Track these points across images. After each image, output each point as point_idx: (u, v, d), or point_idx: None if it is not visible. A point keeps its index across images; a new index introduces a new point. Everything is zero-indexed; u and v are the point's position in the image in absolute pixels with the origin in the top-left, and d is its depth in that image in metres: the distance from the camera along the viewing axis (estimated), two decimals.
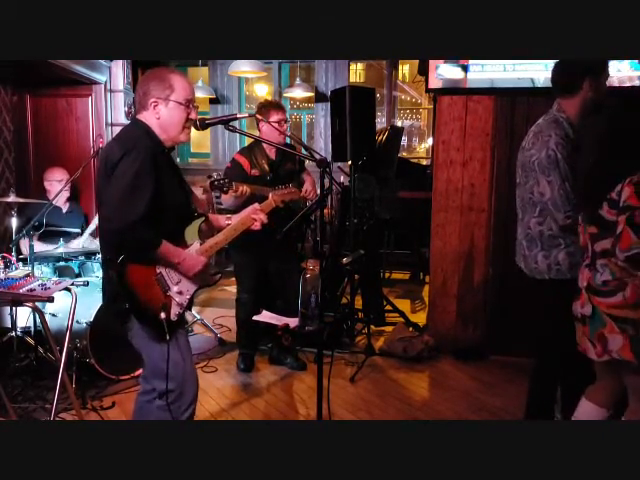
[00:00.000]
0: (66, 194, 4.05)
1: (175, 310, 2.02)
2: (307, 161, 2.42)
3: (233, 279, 3.84)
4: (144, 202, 1.86)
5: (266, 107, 3.38)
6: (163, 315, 1.95)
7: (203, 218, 2.17)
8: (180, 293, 2.03)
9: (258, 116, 3.27)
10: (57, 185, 4.02)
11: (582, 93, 2.25)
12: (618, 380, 2.06)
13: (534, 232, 2.34)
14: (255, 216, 2.23)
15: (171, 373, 1.99)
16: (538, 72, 3.51)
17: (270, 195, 2.61)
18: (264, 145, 3.44)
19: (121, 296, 1.98)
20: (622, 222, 1.80)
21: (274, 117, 3.33)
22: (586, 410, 2.16)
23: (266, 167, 3.41)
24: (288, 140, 3.84)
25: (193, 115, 2.03)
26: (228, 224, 2.23)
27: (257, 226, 2.24)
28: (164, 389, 2.00)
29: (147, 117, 2.00)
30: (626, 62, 3.37)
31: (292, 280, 3.64)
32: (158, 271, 2.00)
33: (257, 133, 3.47)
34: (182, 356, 2.04)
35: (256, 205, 2.29)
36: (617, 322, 1.87)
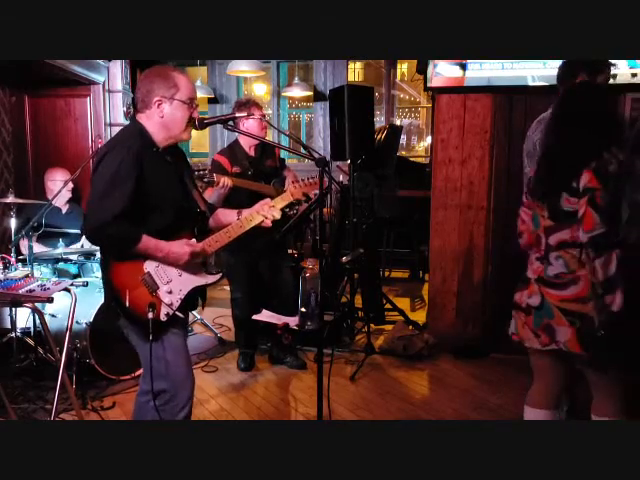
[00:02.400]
0: (67, 195, 4.04)
1: (164, 310, 1.98)
2: (306, 160, 2.40)
3: None
4: (121, 200, 1.85)
5: (246, 105, 3.41)
6: (150, 315, 1.92)
7: (206, 215, 2.14)
8: (170, 293, 1.99)
9: (256, 114, 3.30)
10: (61, 185, 4.02)
11: None
12: (557, 377, 2.10)
13: None
14: (265, 213, 2.15)
15: (162, 373, 1.98)
16: (536, 70, 3.51)
17: (289, 188, 2.54)
18: (242, 144, 3.51)
19: (108, 295, 1.99)
20: (584, 204, 1.83)
21: (257, 113, 3.38)
22: (529, 416, 2.18)
23: (246, 164, 3.45)
24: (286, 142, 3.85)
25: (195, 114, 2.02)
26: (238, 219, 2.16)
27: (267, 223, 2.16)
28: (156, 389, 1.99)
29: (150, 115, 1.99)
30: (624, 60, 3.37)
31: (284, 277, 3.64)
32: (146, 271, 1.97)
33: None
34: (172, 357, 2.01)
35: (267, 200, 2.21)
36: (566, 315, 1.90)
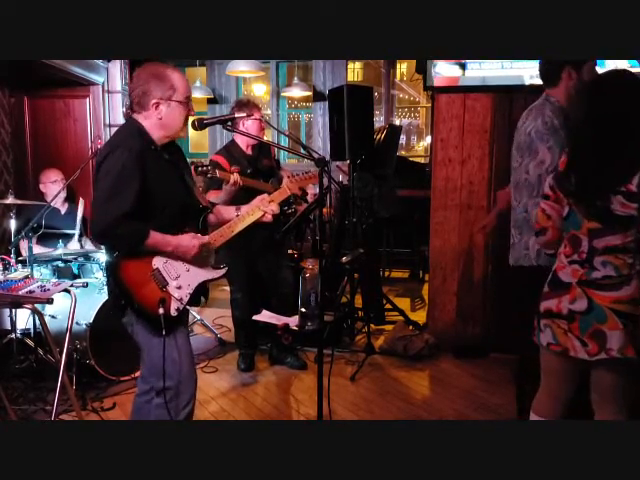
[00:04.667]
0: (63, 194, 4.05)
1: (175, 305, 2.01)
2: (305, 160, 2.40)
3: None
4: (128, 200, 1.86)
5: (247, 105, 3.41)
6: (161, 310, 1.94)
7: (208, 210, 2.16)
8: (179, 288, 2.02)
9: (257, 115, 3.30)
10: (51, 186, 4.04)
11: (564, 83, 2.31)
12: (569, 386, 1.99)
13: (531, 214, 2.27)
14: (265, 208, 2.19)
15: (168, 370, 1.99)
16: (535, 69, 3.49)
17: (285, 182, 2.54)
18: (239, 143, 3.51)
19: (117, 292, 2.00)
20: None
21: (257, 115, 3.39)
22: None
23: (245, 162, 3.45)
24: (285, 142, 3.86)
25: (191, 111, 2.04)
26: (237, 215, 2.21)
27: (268, 218, 2.20)
28: (161, 386, 2.00)
29: (147, 116, 2.00)
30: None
31: (283, 277, 3.64)
32: (155, 267, 1.99)
33: None
34: (179, 354, 2.03)
35: (264, 196, 2.24)
36: (620, 317, 1.75)
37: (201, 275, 2.09)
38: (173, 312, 2.01)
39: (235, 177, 3.05)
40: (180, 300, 2.03)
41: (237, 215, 2.21)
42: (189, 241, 2.02)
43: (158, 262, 2.00)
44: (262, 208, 2.18)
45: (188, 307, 2.12)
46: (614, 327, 1.76)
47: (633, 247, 1.76)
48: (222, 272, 2.16)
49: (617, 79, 1.87)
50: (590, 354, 1.81)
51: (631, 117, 1.77)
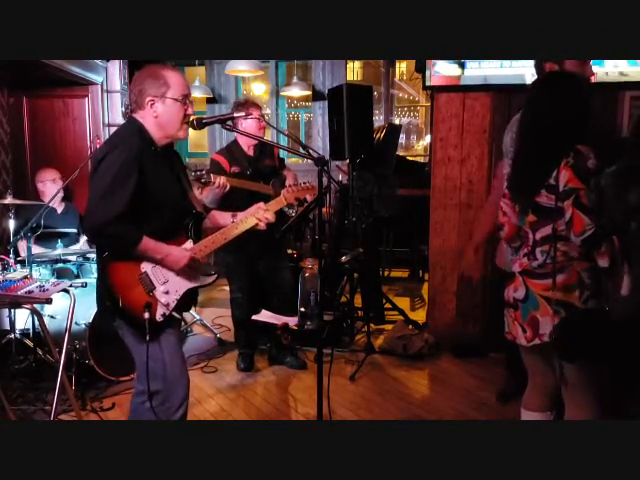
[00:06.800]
0: (60, 194, 4.05)
1: (161, 310, 1.98)
2: (306, 159, 2.40)
3: None
4: (123, 200, 1.85)
5: (244, 105, 3.40)
6: (147, 315, 1.92)
7: (202, 216, 2.15)
8: (166, 293, 1.99)
9: (256, 114, 3.30)
10: (50, 185, 4.03)
11: None
12: (550, 377, 2.03)
13: None
14: (259, 216, 2.17)
15: (158, 374, 1.98)
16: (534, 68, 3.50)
17: (282, 192, 2.56)
18: (240, 143, 3.50)
19: (104, 294, 1.98)
20: (569, 206, 1.77)
21: (255, 113, 3.37)
22: (524, 419, 2.13)
23: (245, 163, 3.44)
24: (285, 141, 3.84)
25: (190, 110, 2.02)
26: (233, 221, 2.19)
27: (262, 226, 2.18)
28: (150, 390, 1.99)
29: (144, 116, 1.99)
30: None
31: (283, 277, 3.63)
32: (143, 270, 1.97)
33: None
34: (168, 357, 2.01)
35: (261, 204, 2.23)
36: (550, 304, 1.84)
37: (190, 281, 2.06)
38: (159, 317, 1.97)
39: (219, 180, 3.03)
40: (167, 305, 1.99)
41: (233, 221, 2.18)
42: (180, 252, 1.99)
43: (147, 266, 1.97)
44: (257, 216, 2.17)
45: (177, 312, 2.09)
46: (545, 313, 1.86)
47: (564, 236, 1.84)
48: (212, 279, 2.13)
49: (548, 82, 2.00)
50: (527, 340, 1.92)
51: (555, 118, 1.87)
